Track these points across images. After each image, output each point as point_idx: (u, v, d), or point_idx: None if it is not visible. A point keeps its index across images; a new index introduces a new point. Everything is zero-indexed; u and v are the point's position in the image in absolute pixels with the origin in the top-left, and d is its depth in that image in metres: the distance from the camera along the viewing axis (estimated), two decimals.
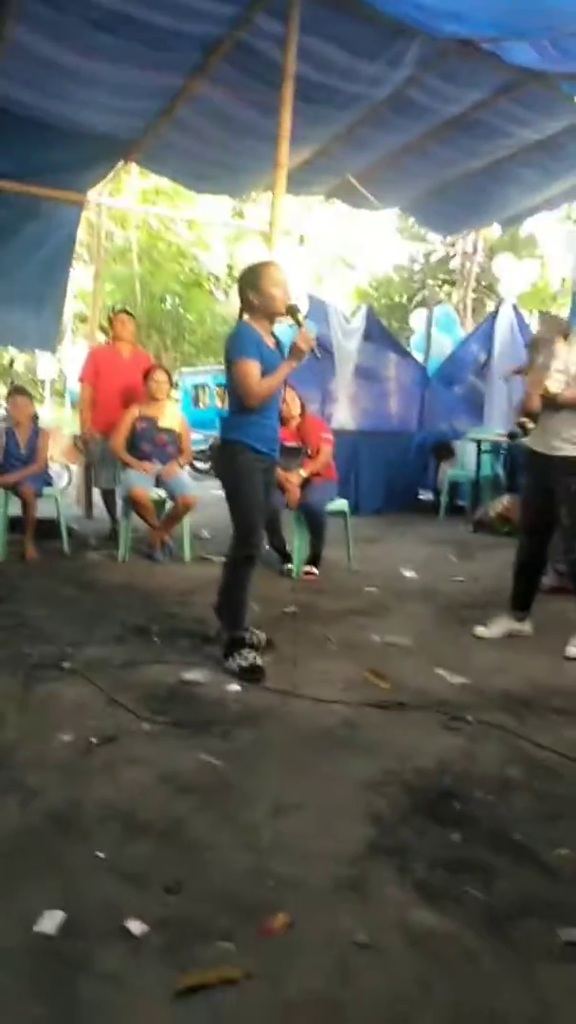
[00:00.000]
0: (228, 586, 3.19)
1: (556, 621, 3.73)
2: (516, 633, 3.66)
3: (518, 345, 8.00)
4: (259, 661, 3.06)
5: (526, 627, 3.69)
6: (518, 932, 1.61)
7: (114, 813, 2.01)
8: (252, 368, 2.97)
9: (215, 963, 1.48)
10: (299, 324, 3.03)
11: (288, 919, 1.61)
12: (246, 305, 3.09)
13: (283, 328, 3.22)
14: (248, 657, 3.06)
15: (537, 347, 3.57)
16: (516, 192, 7.36)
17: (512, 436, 3.51)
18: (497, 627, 3.67)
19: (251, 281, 3.07)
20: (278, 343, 3.17)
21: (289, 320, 3.11)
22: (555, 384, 3.32)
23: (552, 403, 3.35)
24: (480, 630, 3.67)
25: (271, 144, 4.56)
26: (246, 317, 3.09)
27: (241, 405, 3.05)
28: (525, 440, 3.54)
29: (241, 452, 3.07)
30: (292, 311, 3.05)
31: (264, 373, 2.99)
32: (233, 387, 3.07)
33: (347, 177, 6.98)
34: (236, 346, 3.01)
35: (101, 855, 1.82)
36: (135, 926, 1.57)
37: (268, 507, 3.33)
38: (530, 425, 3.42)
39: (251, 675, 3.00)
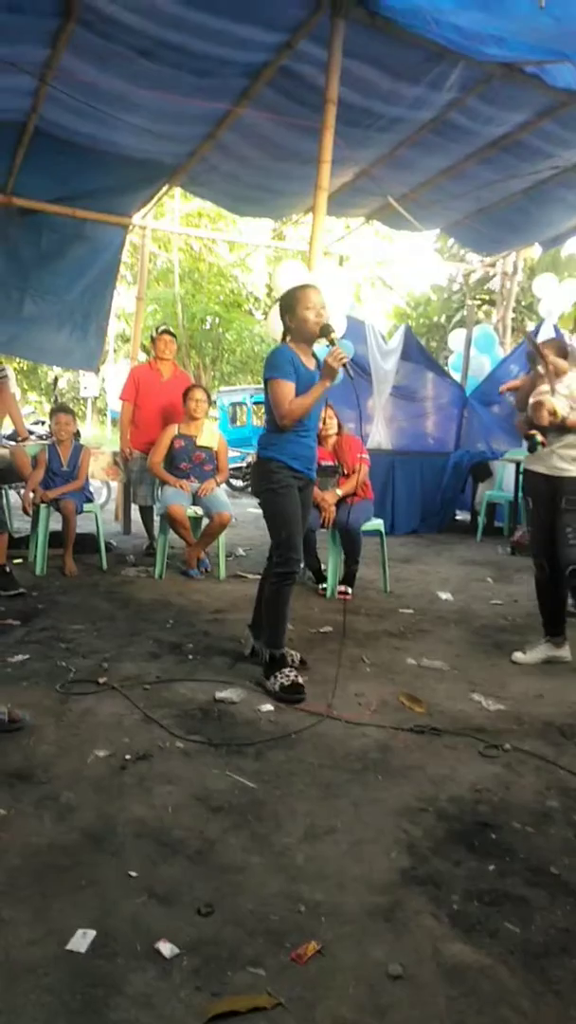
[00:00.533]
0: (269, 603, 3.20)
1: None
2: (554, 659, 3.60)
3: None
4: (300, 680, 3.05)
5: (564, 652, 3.62)
6: (556, 970, 1.57)
7: (147, 831, 2.01)
8: (285, 388, 3.02)
9: (245, 989, 1.47)
10: (332, 343, 3.05)
11: (319, 947, 1.59)
12: (285, 329, 3.15)
13: (323, 349, 3.25)
14: (289, 676, 3.05)
15: (538, 362, 3.58)
16: (558, 213, 7.32)
17: (532, 449, 3.55)
18: (535, 653, 3.61)
19: (287, 306, 3.13)
20: (319, 364, 3.20)
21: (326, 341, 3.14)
22: (563, 407, 3.39)
23: (560, 426, 3.41)
24: (518, 656, 3.62)
25: (313, 167, 4.59)
26: (288, 340, 3.15)
27: (277, 424, 3.08)
28: (527, 465, 3.59)
29: (277, 469, 3.10)
30: (325, 331, 3.07)
31: (300, 393, 3.03)
32: (269, 406, 3.12)
33: (388, 199, 7.00)
34: (271, 366, 3.09)
35: (133, 874, 1.82)
36: (166, 948, 1.57)
37: (303, 526, 3.33)
38: (539, 437, 3.46)
39: (292, 693, 2.99)
